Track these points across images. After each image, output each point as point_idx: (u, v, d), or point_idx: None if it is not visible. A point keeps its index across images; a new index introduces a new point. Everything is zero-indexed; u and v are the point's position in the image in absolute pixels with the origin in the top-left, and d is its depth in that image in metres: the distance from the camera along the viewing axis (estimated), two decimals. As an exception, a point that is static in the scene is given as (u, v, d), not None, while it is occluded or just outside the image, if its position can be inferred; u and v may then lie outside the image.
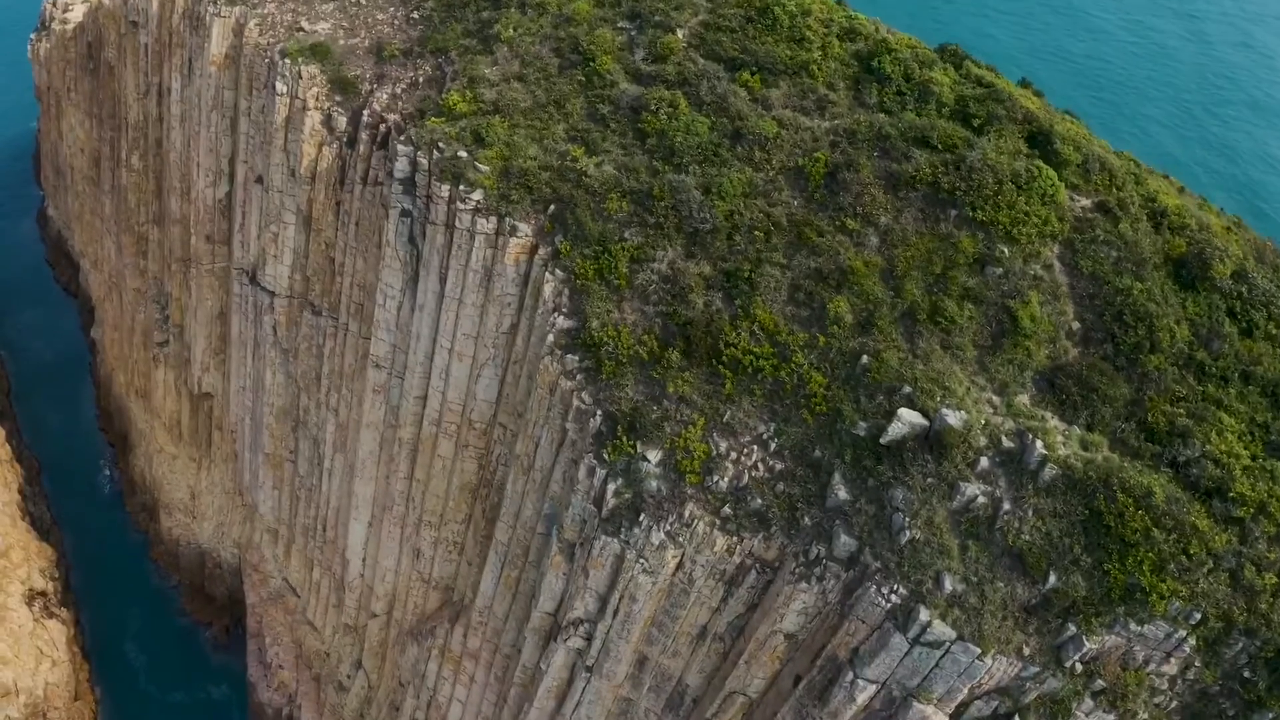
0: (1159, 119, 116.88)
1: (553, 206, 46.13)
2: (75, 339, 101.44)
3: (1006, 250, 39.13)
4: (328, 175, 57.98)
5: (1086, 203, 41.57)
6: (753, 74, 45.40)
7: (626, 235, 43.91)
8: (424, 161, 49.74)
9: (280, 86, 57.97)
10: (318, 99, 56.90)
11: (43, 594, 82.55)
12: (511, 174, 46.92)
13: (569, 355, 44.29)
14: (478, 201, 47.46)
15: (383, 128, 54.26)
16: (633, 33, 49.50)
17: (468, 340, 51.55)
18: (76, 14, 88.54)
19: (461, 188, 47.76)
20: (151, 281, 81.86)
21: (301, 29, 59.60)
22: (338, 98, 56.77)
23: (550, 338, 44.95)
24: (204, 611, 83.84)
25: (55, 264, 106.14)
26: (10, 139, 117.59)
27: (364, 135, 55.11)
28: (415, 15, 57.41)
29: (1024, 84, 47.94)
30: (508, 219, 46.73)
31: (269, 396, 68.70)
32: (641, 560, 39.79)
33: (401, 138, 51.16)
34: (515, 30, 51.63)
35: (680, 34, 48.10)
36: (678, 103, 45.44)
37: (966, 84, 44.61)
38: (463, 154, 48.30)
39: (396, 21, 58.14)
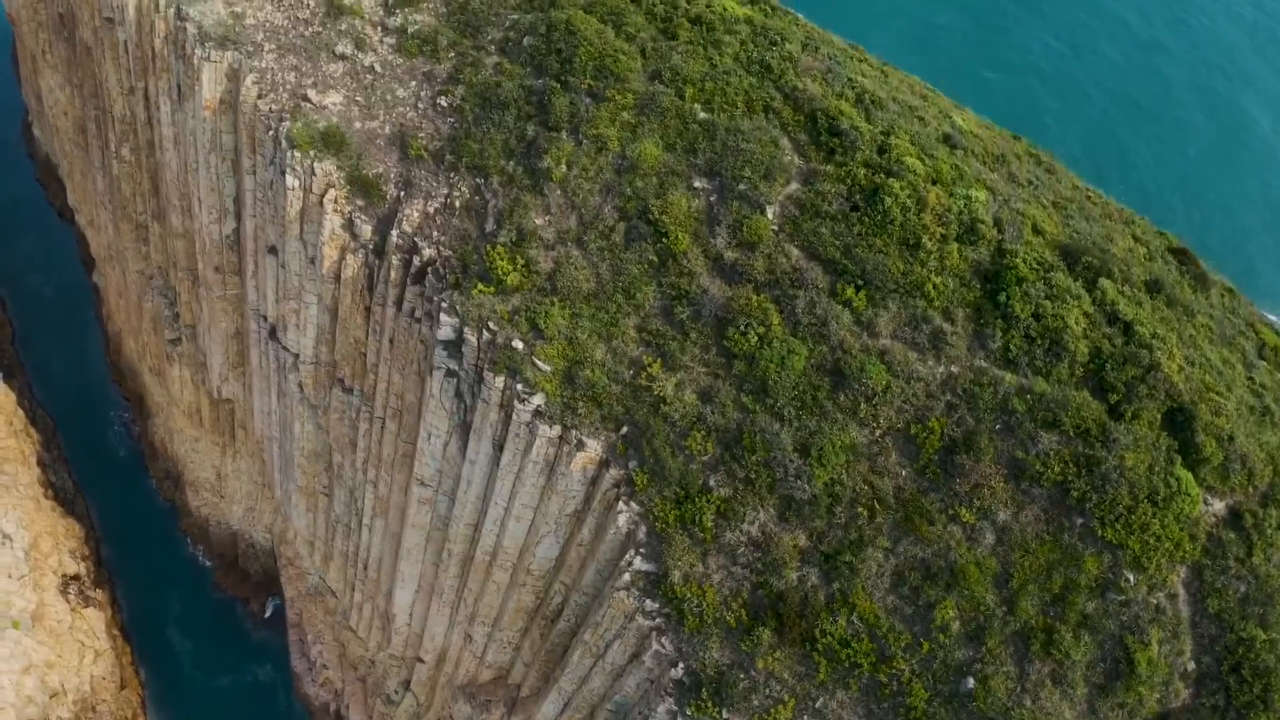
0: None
1: (625, 428, 41.52)
2: (75, 270, 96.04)
3: (1132, 578, 35.84)
4: (354, 282, 52.38)
5: (1220, 507, 37.56)
6: (858, 289, 39.59)
7: (712, 483, 39.82)
8: (471, 339, 44.56)
9: (291, 180, 51.56)
10: (336, 202, 50.54)
11: (76, 577, 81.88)
12: (577, 382, 42.03)
13: (648, 600, 41.14)
14: (539, 405, 42.73)
15: (417, 260, 48.39)
16: (712, 197, 42.83)
17: (526, 510, 48.00)
18: None
19: (520, 386, 42.89)
20: (156, 271, 76.14)
21: (308, 98, 52.17)
22: (359, 201, 50.42)
23: (626, 576, 41.61)
24: (240, 588, 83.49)
25: (46, 184, 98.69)
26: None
27: (394, 259, 49.39)
28: (443, 102, 49.90)
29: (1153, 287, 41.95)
30: (574, 431, 42.20)
31: (299, 441, 65.23)
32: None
33: (444, 303, 45.47)
34: (568, 167, 44.82)
35: (770, 213, 41.59)
36: (769, 319, 39.95)
37: (1102, 322, 38.98)
38: (518, 344, 43.17)
39: (421, 104, 50.67)
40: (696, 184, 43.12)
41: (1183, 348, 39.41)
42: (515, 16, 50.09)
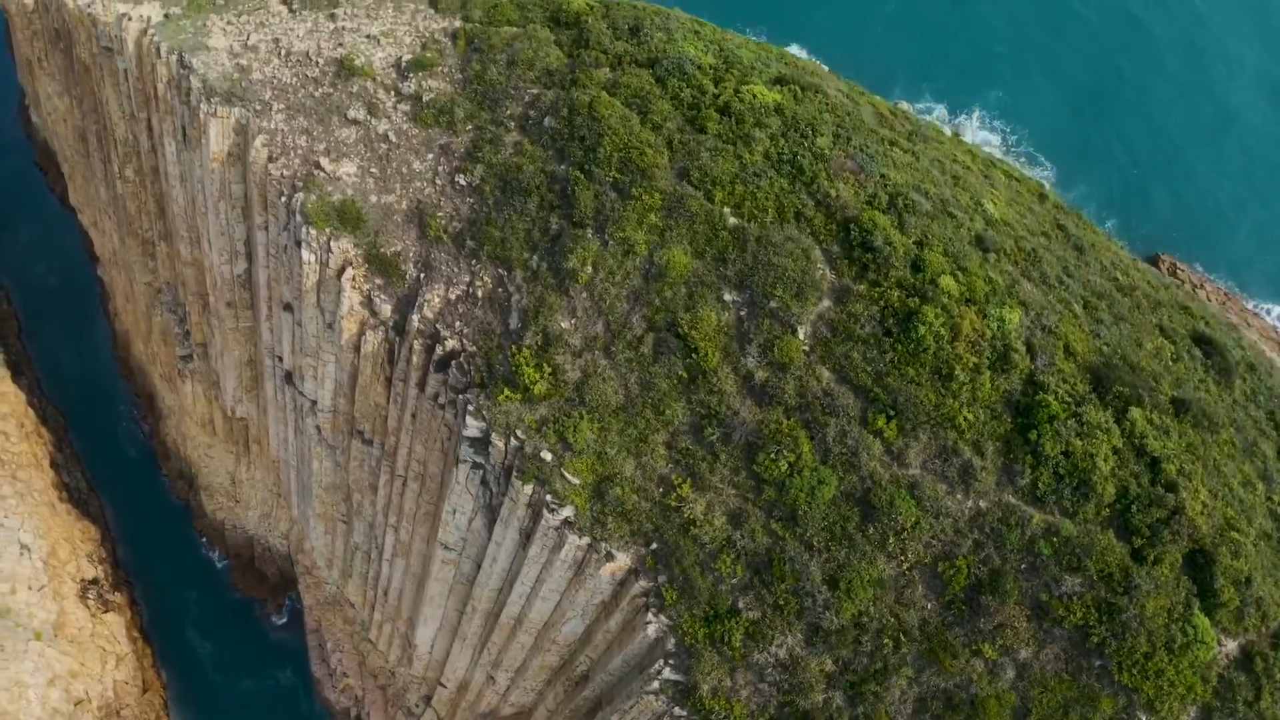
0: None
1: (655, 544, 41.74)
2: (79, 260, 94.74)
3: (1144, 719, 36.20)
4: (374, 356, 52.00)
5: (1232, 647, 38.15)
6: (889, 419, 39.42)
7: (741, 606, 40.31)
8: (499, 444, 44.43)
9: (307, 255, 50.92)
10: (355, 281, 49.92)
11: (95, 581, 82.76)
12: (606, 497, 42.10)
13: (676, 708, 41.87)
14: (568, 516, 42.88)
15: (439, 349, 47.94)
16: (742, 311, 42.27)
17: (553, 592, 48.45)
18: None
19: (548, 497, 42.95)
20: (165, 286, 75.35)
21: (320, 167, 51.17)
22: (378, 280, 49.77)
23: (655, 684, 42.27)
24: (257, 588, 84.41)
25: (46, 169, 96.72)
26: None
27: (416, 343, 48.84)
28: (461, 180, 48.90)
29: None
30: (603, 544, 42.45)
31: (316, 475, 65.41)
32: None
33: (470, 404, 45.16)
34: (594, 269, 44.16)
35: (802, 333, 41.13)
36: (800, 446, 39.91)
37: (1131, 458, 39.04)
38: (546, 455, 43.14)
39: (439, 181, 49.66)
40: (726, 296, 42.55)
41: (1207, 480, 39.56)
42: (535, 91, 48.79)
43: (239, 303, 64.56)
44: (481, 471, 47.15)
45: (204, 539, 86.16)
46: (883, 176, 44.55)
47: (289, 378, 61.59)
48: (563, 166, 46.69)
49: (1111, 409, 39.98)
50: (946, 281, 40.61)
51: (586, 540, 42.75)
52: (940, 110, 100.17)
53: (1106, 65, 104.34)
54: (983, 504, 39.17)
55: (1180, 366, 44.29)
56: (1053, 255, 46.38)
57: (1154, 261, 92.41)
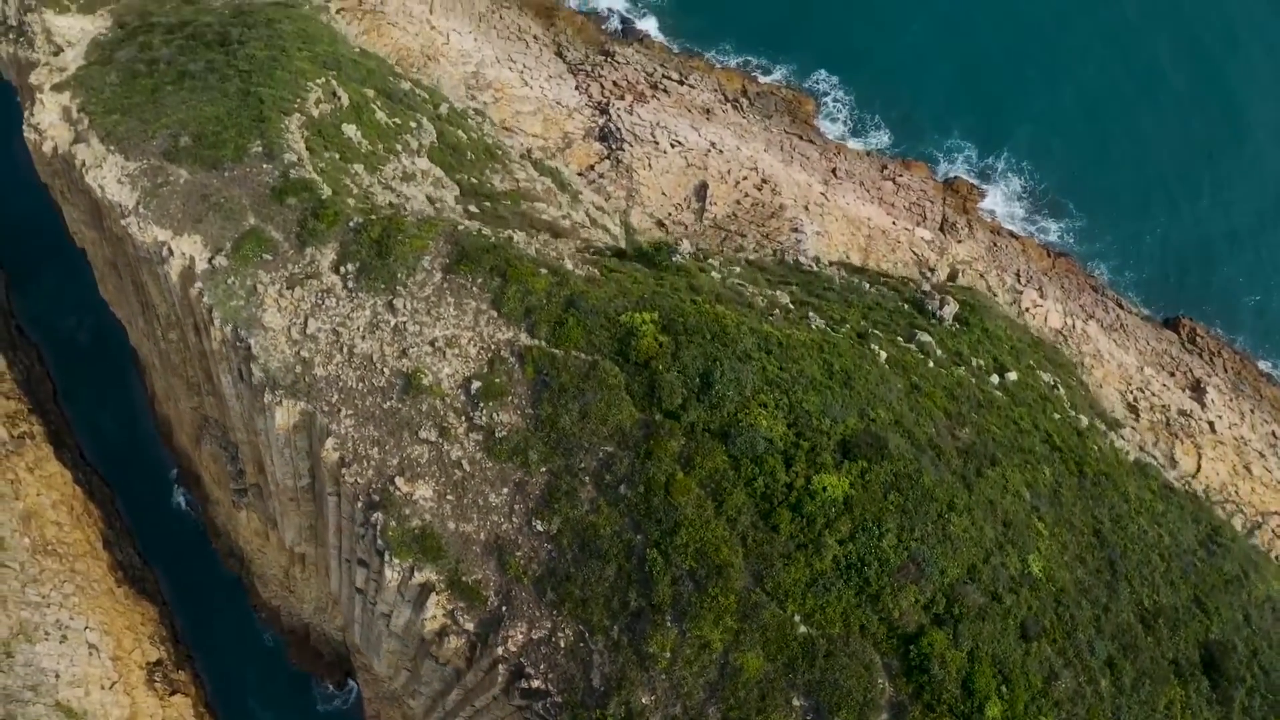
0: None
1: None
2: (106, 311, 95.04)
3: None
4: (455, 655, 55.37)
5: None
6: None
7: None
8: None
9: (389, 574, 53.49)
10: (439, 604, 52.89)
11: (159, 663, 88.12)
12: None
13: None
14: None
15: (523, 683, 51.42)
16: (808, 716, 45.92)
17: None
18: (46, 120, 72.43)
19: None
20: (214, 422, 77.12)
21: (396, 485, 53.14)
22: (461, 602, 52.74)
23: None
24: (313, 665, 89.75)
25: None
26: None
27: (500, 669, 52.28)
28: (539, 526, 51.20)
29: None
30: None
31: (384, 643, 69.40)
32: None
33: (560, 767, 49.27)
34: (672, 654, 47.44)
35: (867, 760, 45.13)
36: None
37: None
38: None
39: (515, 518, 51.93)
40: (795, 701, 46.18)
41: None
42: (610, 449, 50.44)
43: (303, 505, 66.90)
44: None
45: (258, 613, 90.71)
46: (941, 571, 47.51)
47: (361, 591, 64.69)
48: (639, 537, 49.07)
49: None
50: (993, 711, 44.54)
51: None
52: (970, 151, 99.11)
53: (1147, 112, 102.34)
54: None
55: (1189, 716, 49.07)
56: (1086, 602, 50.20)
57: (1174, 325, 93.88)
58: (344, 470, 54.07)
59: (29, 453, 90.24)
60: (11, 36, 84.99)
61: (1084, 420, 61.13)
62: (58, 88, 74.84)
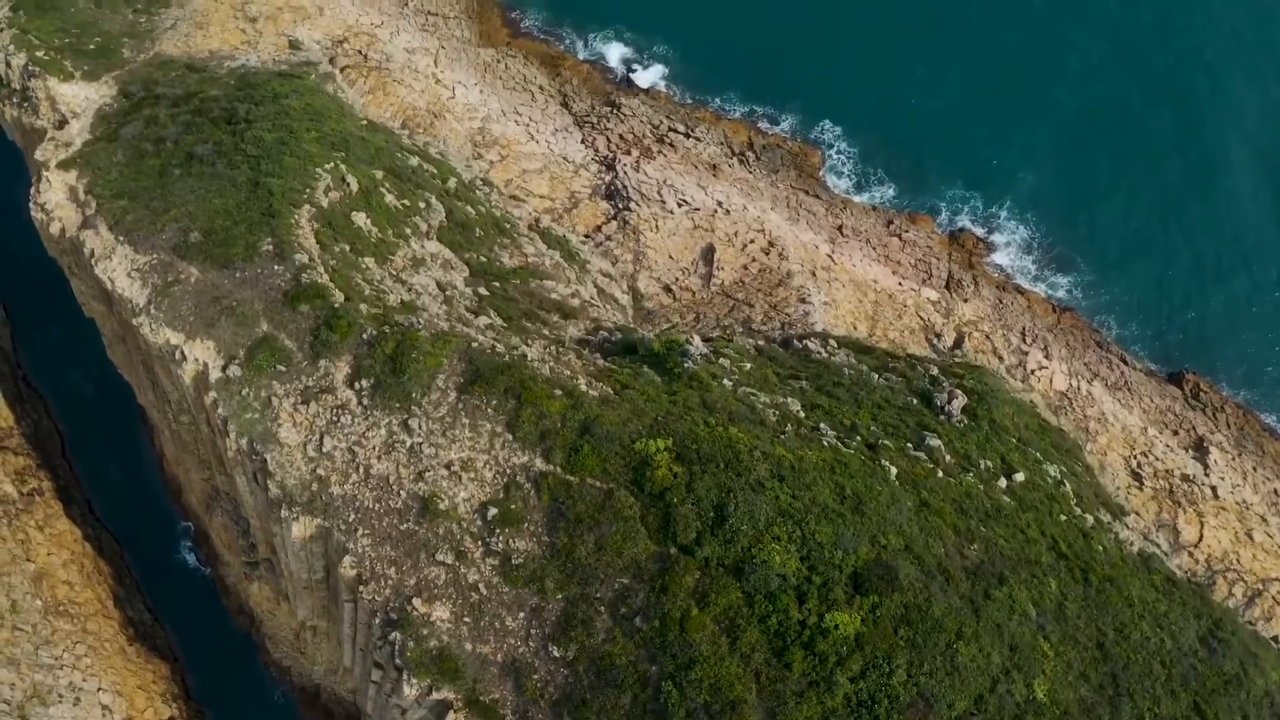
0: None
1: None
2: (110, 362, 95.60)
3: None
4: (475, 763, 56.23)
5: None
6: None
7: None
8: None
9: (408, 690, 54.25)
10: (457, 719, 53.72)
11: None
12: None
13: None
14: None
15: (541, 806, 52.45)
16: None
17: None
18: (53, 200, 72.49)
19: None
20: (225, 495, 77.79)
21: (414, 605, 53.88)
22: (477, 720, 53.68)
23: None
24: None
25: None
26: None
27: (519, 790, 53.21)
28: (555, 652, 51.95)
29: None
30: None
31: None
32: None
33: None
34: (691, 790, 48.43)
35: None
36: None
37: None
38: None
39: (532, 642, 52.70)
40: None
41: None
42: (625, 581, 51.13)
43: (316, 588, 67.62)
44: None
45: (269, 670, 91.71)
46: (949, 706, 48.34)
47: (376, 684, 65.55)
48: (654, 668, 49.82)
49: None
50: None
51: None
52: (976, 201, 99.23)
53: (1154, 162, 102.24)
54: None
55: None
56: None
57: (1178, 380, 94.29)
58: (361, 587, 54.73)
59: (39, 510, 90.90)
60: (15, 100, 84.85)
61: (1089, 519, 61.79)
62: (64, 165, 74.87)
